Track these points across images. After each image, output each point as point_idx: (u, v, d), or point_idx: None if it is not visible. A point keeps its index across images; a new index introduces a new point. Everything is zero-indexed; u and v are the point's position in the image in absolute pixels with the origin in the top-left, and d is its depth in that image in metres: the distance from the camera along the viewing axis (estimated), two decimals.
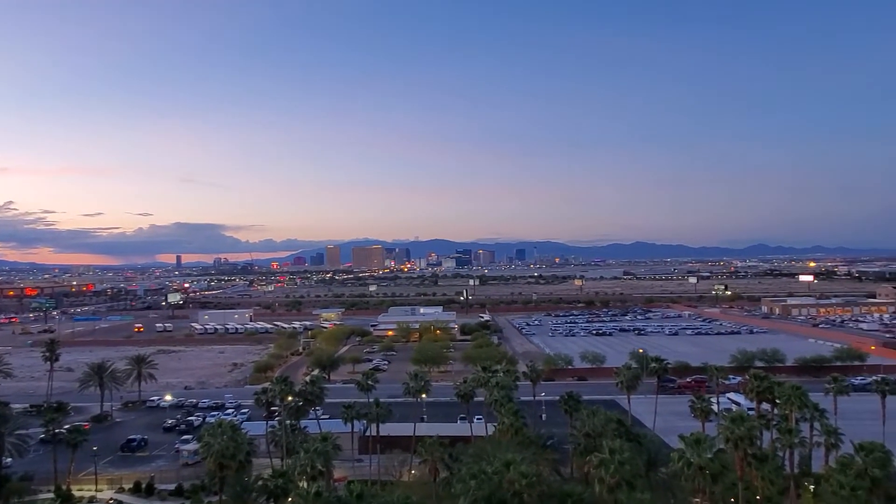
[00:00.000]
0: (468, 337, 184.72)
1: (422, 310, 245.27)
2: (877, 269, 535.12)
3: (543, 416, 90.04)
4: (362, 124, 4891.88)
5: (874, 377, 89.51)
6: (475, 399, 79.53)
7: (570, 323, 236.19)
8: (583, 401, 72.00)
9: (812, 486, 57.54)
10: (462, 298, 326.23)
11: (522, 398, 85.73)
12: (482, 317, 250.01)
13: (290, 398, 72.64)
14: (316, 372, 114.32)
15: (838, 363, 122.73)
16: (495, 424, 68.56)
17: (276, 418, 74.58)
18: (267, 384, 79.85)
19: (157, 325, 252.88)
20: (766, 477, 48.15)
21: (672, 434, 60.56)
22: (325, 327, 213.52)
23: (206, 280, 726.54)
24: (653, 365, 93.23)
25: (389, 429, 73.00)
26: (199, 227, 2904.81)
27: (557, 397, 76.40)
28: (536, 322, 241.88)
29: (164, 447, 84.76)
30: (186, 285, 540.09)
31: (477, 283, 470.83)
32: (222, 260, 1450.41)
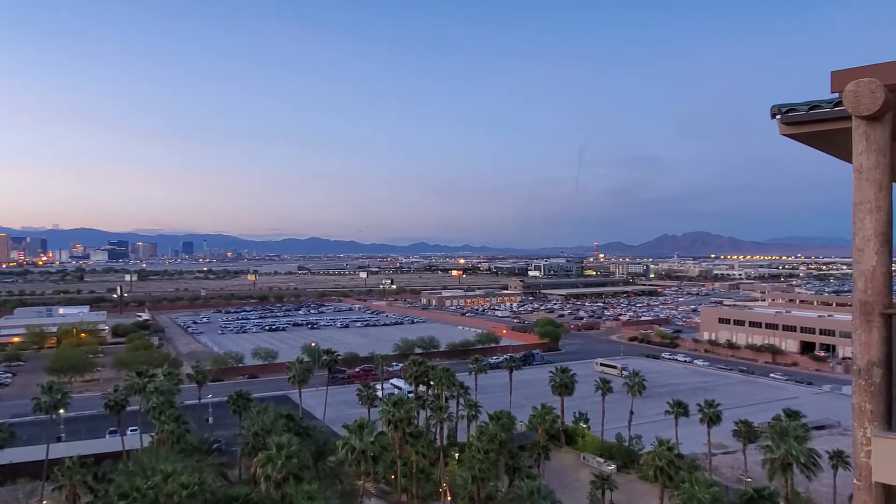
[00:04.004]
0: (122, 339, 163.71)
1: (61, 310, 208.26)
2: (510, 266, 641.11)
3: (210, 418, 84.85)
4: None
5: (505, 356, 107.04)
6: (130, 408, 70.70)
7: (242, 319, 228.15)
8: (254, 399, 69.89)
9: (457, 454, 65.66)
10: (116, 296, 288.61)
11: (187, 402, 79.49)
12: (140, 316, 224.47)
13: None
14: None
15: (480, 346, 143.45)
16: (154, 434, 61.92)
17: None
18: None
19: None
20: (420, 451, 53.20)
21: (341, 423, 62.79)
22: None
23: None
24: (324, 357, 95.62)
25: (11, 455, 60.23)
26: None
27: (226, 398, 72.71)
28: (205, 319, 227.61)
29: None
30: None
31: (135, 278, 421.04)
32: None
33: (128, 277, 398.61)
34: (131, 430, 72.15)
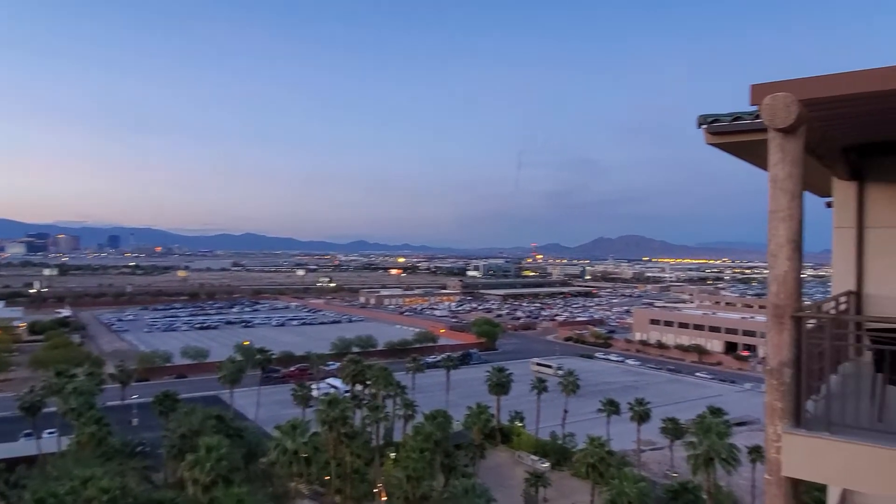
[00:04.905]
0: (40, 337, 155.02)
1: None
2: (449, 265, 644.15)
3: (135, 420, 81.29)
4: None
5: (443, 355, 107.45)
6: (47, 410, 66.96)
7: (172, 317, 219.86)
8: (182, 399, 67.54)
9: (393, 454, 65.40)
10: (33, 291, 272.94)
11: (110, 403, 76.16)
12: (60, 312, 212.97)
13: None
14: None
15: (418, 345, 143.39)
16: (73, 437, 58.93)
17: None
18: None
19: None
20: (355, 451, 52.68)
21: (274, 423, 61.48)
22: None
23: None
24: (258, 357, 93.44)
25: None
26: None
27: (152, 398, 69.96)
28: (131, 317, 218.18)
29: None
30: None
31: (55, 272, 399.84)
32: None
33: (47, 272, 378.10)
34: (48, 433, 68.32)
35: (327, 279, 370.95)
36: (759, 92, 5.52)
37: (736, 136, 7.66)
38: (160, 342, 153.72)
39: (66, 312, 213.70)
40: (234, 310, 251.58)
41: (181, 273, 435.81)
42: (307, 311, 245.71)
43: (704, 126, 7.87)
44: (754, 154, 8.17)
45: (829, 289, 10.27)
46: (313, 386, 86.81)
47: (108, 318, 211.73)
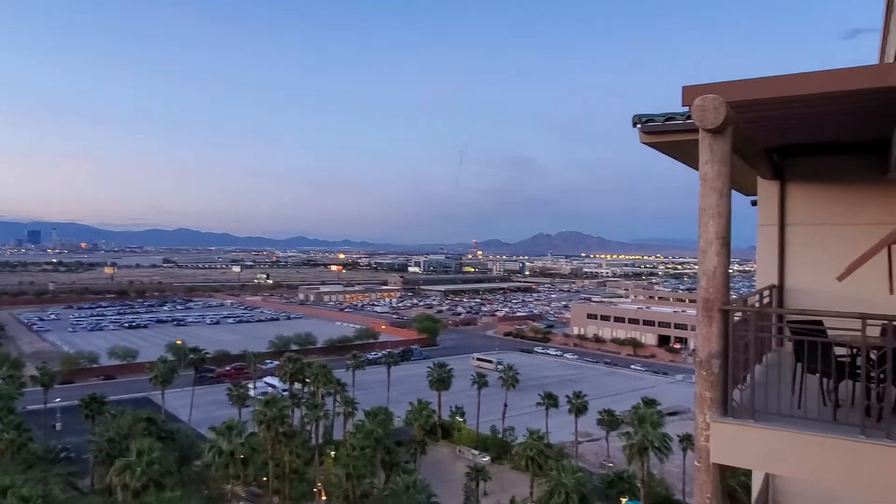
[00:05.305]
0: None
1: None
2: (390, 261, 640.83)
3: (58, 425, 77.28)
4: None
5: (384, 352, 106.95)
6: None
7: (98, 316, 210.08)
8: (110, 402, 64.75)
9: (333, 452, 64.70)
10: None
11: (30, 407, 72.18)
12: None
13: None
14: None
15: (358, 342, 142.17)
16: None
17: None
18: None
19: None
20: (294, 451, 51.86)
21: (209, 425, 59.73)
22: None
23: None
24: (191, 356, 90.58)
25: None
26: None
27: (78, 401, 66.71)
28: (53, 316, 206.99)
29: None
30: None
31: None
32: None
33: None
34: None
35: (265, 276, 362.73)
36: (689, 93, 5.71)
37: (668, 135, 7.92)
38: (86, 342, 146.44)
39: None
40: (165, 308, 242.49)
41: (108, 269, 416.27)
42: (243, 309, 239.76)
43: (639, 126, 8.11)
44: (685, 153, 8.48)
45: (753, 283, 10.79)
46: (250, 385, 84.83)
47: (28, 318, 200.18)
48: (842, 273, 6.62)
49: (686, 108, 5.79)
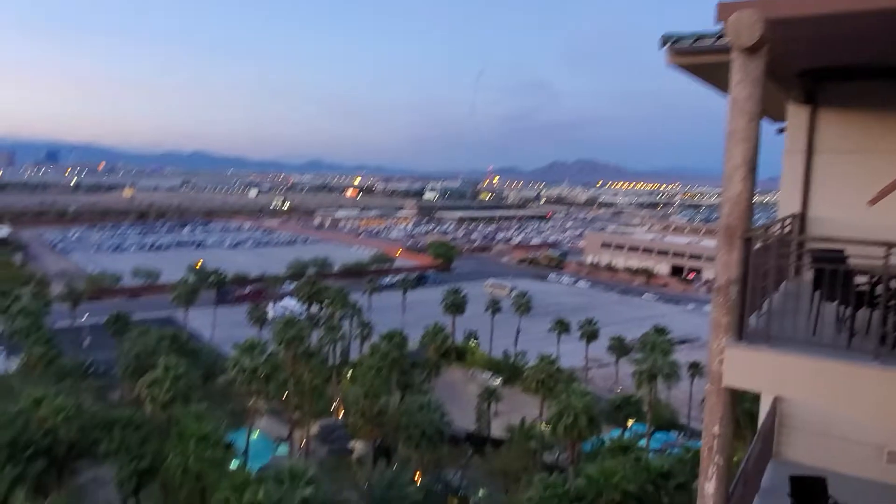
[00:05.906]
0: None
1: None
2: (405, 187, 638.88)
3: (87, 341, 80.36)
4: None
5: (399, 276, 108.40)
6: None
7: (120, 237, 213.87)
8: (135, 320, 66.90)
9: (350, 372, 66.91)
10: None
11: (59, 324, 74.78)
12: None
13: None
14: None
15: (374, 266, 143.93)
16: (20, 357, 58.08)
17: None
18: None
19: None
20: (313, 370, 53.64)
21: (230, 344, 61.77)
22: None
23: None
24: (212, 277, 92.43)
25: None
26: None
27: (104, 320, 69.01)
28: (75, 237, 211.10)
29: None
30: None
31: None
32: None
33: None
34: None
35: (282, 200, 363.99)
36: (725, 9, 5.45)
37: (698, 56, 7.61)
38: (109, 263, 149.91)
39: (4, 231, 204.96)
40: (185, 230, 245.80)
41: (127, 192, 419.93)
42: (261, 233, 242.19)
43: (667, 46, 7.78)
44: (714, 76, 8.17)
45: (770, 214, 10.65)
46: (269, 306, 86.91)
47: (51, 238, 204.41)
48: (873, 197, 6.50)
49: (717, 28, 5.54)
